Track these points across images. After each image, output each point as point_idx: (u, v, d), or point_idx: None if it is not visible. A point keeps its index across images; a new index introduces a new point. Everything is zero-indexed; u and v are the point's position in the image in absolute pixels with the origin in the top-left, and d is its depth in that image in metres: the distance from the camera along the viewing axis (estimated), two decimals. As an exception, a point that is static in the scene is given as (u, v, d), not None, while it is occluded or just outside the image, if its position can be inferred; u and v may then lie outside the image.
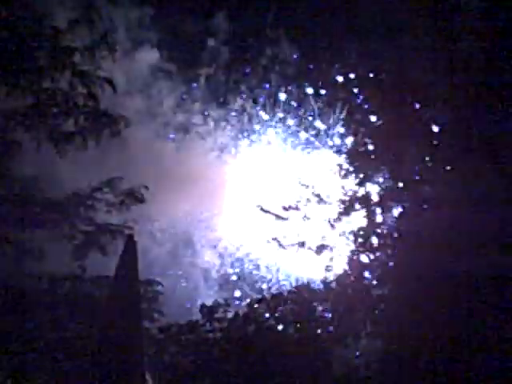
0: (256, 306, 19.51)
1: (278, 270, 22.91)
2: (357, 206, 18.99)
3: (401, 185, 18.19)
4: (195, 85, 24.27)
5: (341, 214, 19.24)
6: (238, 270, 23.73)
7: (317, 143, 23.09)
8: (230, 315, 19.37)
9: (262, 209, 21.51)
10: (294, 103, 23.50)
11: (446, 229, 16.91)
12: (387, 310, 18.12)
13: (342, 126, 22.02)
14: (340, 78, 21.17)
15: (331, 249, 19.44)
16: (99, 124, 15.32)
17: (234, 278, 23.68)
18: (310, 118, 23.22)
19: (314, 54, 23.10)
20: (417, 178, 17.92)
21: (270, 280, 23.12)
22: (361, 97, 20.54)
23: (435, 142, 17.61)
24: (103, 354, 12.14)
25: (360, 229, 18.90)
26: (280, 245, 19.85)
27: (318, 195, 19.73)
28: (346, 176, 19.18)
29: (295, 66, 23.70)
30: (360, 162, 18.86)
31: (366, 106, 20.02)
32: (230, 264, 23.90)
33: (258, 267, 23.35)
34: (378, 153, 18.48)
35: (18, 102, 14.83)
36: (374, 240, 18.53)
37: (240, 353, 18.29)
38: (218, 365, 18.38)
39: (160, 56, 23.68)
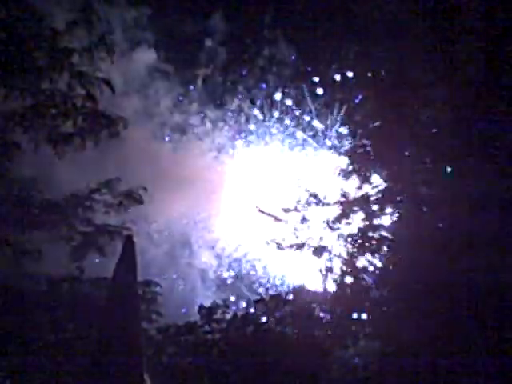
0: (255, 307, 19.52)
1: (276, 272, 22.91)
2: (355, 207, 18.93)
3: (400, 186, 18.15)
4: (192, 85, 24.30)
5: (340, 215, 19.18)
6: (235, 272, 23.74)
7: (314, 144, 23.11)
8: (228, 316, 19.37)
9: (259, 210, 21.47)
10: (291, 104, 23.53)
11: (445, 230, 16.89)
12: (385, 311, 18.11)
13: (341, 126, 22.06)
14: (338, 78, 21.15)
15: (330, 251, 19.38)
16: (98, 125, 15.26)
17: (232, 279, 23.69)
18: (308, 119, 23.26)
19: (311, 54, 23.11)
20: (416, 179, 17.87)
21: (268, 281, 23.13)
22: (359, 97, 20.53)
23: (435, 143, 17.58)
24: (102, 354, 12.16)
25: (359, 230, 18.85)
26: (278, 246, 19.75)
27: (316, 196, 19.66)
28: (344, 177, 19.11)
29: (293, 66, 23.72)
30: (359, 164, 18.79)
31: (365, 107, 20.01)
32: (228, 265, 23.92)
33: (255, 268, 23.36)
34: (377, 154, 18.42)
35: (17, 103, 14.77)
36: (373, 242, 18.48)
37: (239, 354, 18.27)
38: (216, 366, 18.37)
39: (157, 56, 23.71)
